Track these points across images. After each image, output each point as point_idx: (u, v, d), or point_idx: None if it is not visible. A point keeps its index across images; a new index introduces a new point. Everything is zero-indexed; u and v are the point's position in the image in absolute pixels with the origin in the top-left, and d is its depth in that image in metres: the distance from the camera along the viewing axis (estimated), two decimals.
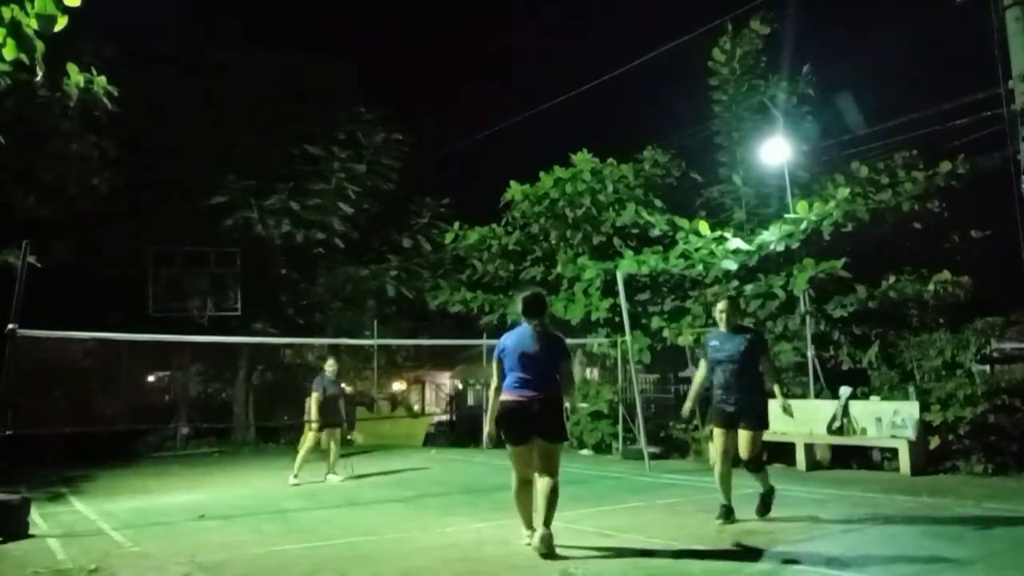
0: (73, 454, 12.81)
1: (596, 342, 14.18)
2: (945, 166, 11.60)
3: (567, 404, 5.75)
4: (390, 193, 18.42)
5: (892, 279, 11.25)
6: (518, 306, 5.61)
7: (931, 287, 10.91)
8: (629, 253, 13.09)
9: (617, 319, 12.82)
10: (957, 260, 11.85)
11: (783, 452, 10.08)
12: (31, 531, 6.67)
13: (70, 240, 14.07)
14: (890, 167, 12.24)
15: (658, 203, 14.11)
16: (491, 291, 16.23)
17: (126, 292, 15.62)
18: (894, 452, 9.35)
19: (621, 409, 12.32)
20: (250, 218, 16.20)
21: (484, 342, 13.99)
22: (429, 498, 8.55)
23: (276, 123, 17.04)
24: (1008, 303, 11.42)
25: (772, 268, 12.25)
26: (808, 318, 11.54)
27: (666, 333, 13.02)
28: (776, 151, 12.01)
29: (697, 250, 11.91)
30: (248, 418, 17.38)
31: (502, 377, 5.49)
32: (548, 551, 5.11)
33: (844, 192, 10.94)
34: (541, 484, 5.26)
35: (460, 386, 23.74)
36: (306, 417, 10.31)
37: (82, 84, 6.65)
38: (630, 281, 12.63)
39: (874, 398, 10.17)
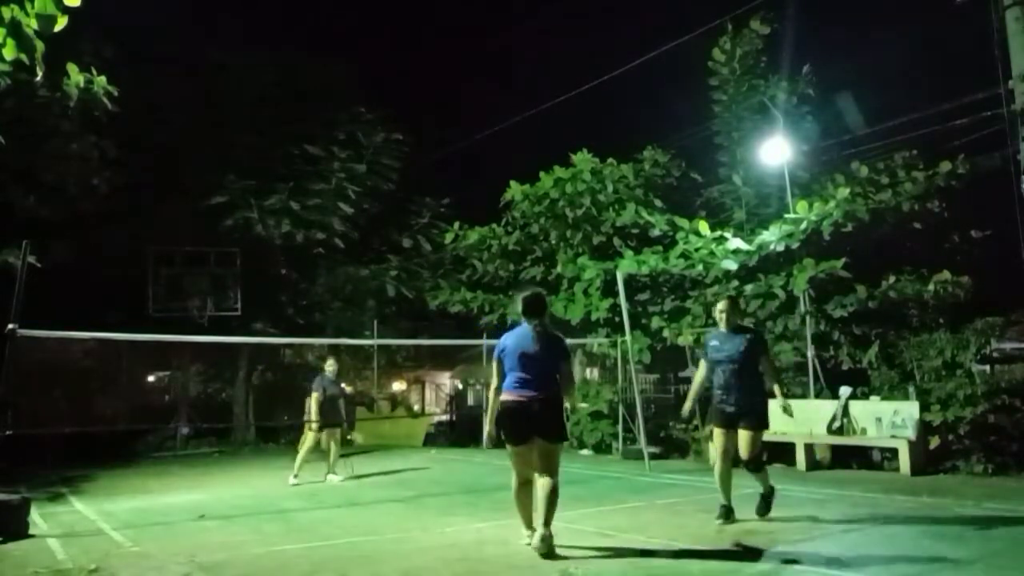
0: (73, 454, 12.81)
1: (596, 342, 14.18)
2: (945, 166, 11.60)
3: (567, 404, 5.75)
4: (390, 193, 18.42)
5: (892, 279, 11.25)
6: (518, 306, 5.61)
7: (931, 287, 10.91)
8: (629, 253, 13.09)
9: (617, 319, 12.82)
10: (957, 260, 11.85)
11: (783, 452, 10.08)
12: (31, 531, 6.67)
13: (70, 240, 14.07)
14: (890, 167, 12.24)
15: (658, 203, 14.10)
16: (491, 291, 16.23)
17: (126, 292, 15.62)
18: (894, 452, 9.35)
19: (621, 409, 12.32)
20: (250, 218, 16.20)
21: (484, 342, 13.99)
22: (429, 498, 8.55)
23: (276, 123, 17.04)
24: (1008, 303, 11.42)
25: (772, 268, 12.25)
26: (808, 318, 11.54)
27: (666, 333, 13.02)
28: (776, 151, 12.01)
29: (697, 250, 11.91)
30: (248, 418, 17.38)
31: (502, 377, 5.49)
32: (548, 551, 5.11)
33: (844, 192, 10.94)
34: (541, 484, 5.26)
35: (460, 386, 23.74)
36: (306, 417, 10.32)
37: (82, 84, 6.65)
38: (630, 281, 12.63)
39: (874, 398, 10.17)
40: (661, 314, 13.45)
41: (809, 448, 9.93)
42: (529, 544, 5.35)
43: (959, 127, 11.20)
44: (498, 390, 5.50)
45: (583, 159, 14.27)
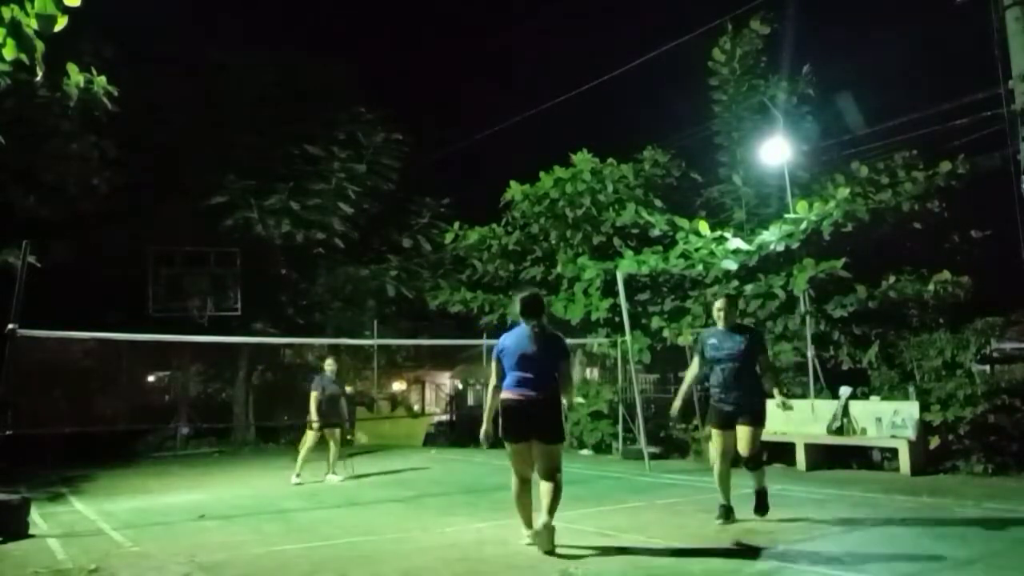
0: (73, 454, 12.81)
1: (596, 342, 14.18)
2: (945, 166, 11.60)
3: (564, 403, 5.76)
4: (390, 193, 18.41)
5: (892, 279, 11.25)
6: (516, 307, 5.62)
7: (931, 287, 10.91)
8: (629, 253, 13.09)
9: (617, 319, 12.82)
10: (957, 260, 11.84)
11: (783, 452, 10.09)
12: (31, 531, 6.67)
13: (70, 240, 14.07)
14: (890, 167, 12.24)
15: (658, 203, 14.10)
16: (491, 291, 16.23)
17: (126, 292, 15.62)
18: (894, 452, 9.35)
19: (621, 409, 12.32)
20: (250, 218, 16.20)
21: (484, 342, 13.98)
22: (429, 498, 8.55)
23: (276, 123, 17.04)
24: (1008, 303, 11.41)
25: (772, 268, 12.25)
26: (808, 318, 11.54)
27: (666, 333, 13.02)
28: (776, 151, 12.01)
29: (697, 250, 11.92)
30: (248, 418, 17.38)
31: (501, 377, 5.51)
32: (549, 540, 5.14)
33: (844, 192, 10.94)
34: (544, 484, 5.28)
35: (460, 386, 23.73)
36: (309, 417, 10.32)
37: (82, 84, 6.65)
38: (630, 281, 12.63)
39: (874, 398, 10.17)
40: (661, 314, 13.45)
41: (809, 448, 9.92)
42: (529, 544, 5.36)
43: (959, 127, 11.20)
44: (497, 389, 5.51)
45: (583, 159, 14.27)
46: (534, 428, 5.33)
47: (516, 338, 5.51)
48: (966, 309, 10.94)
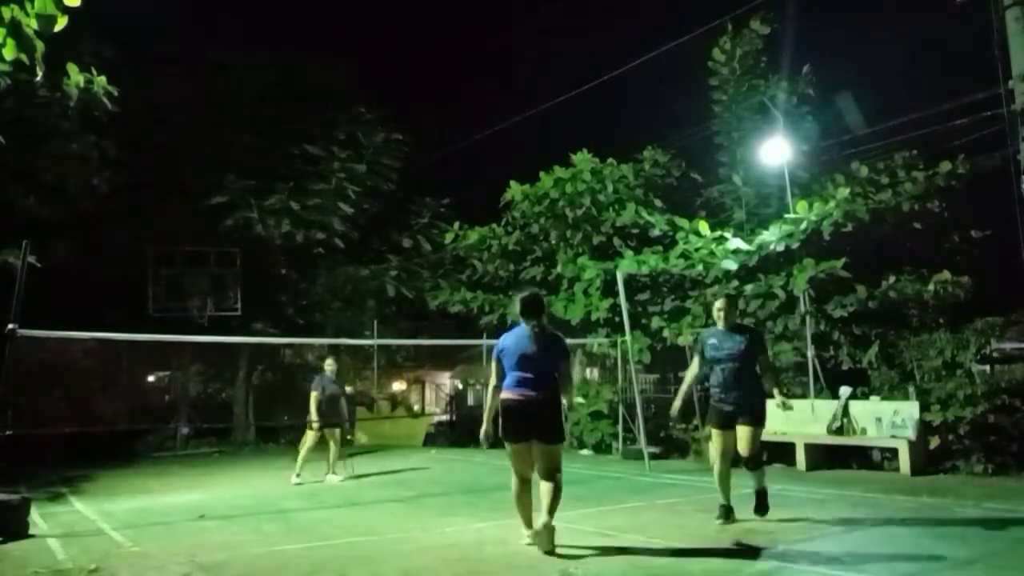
0: (73, 454, 12.81)
1: (596, 342, 14.18)
2: (945, 166, 11.60)
3: (564, 403, 5.76)
4: (390, 193, 18.41)
5: (892, 279, 11.25)
6: (516, 307, 5.62)
7: (931, 287, 10.91)
8: (629, 253, 13.09)
9: (617, 319, 12.82)
10: (957, 260, 11.84)
11: (783, 452, 10.09)
12: (31, 531, 6.67)
13: (70, 240, 14.07)
14: (890, 167, 12.24)
15: (658, 203, 14.10)
16: (491, 291, 16.23)
17: (126, 292, 15.62)
18: (894, 452, 9.35)
19: (621, 409, 12.32)
20: (250, 218, 16.20)
21: (484, 342, 13.97)
22: (429, 498, 8.55)
23: (276, 123, 17.04)
24: (1008, 303, 11.41)
25: (772, 268, 12.25)
26: (808, 318, 11.54)
27: (666, 333, 13.02)
28: (776, 151, 12.01)
29: (697, 250, 11.92)
30: (248, 418, 17.38)
31: (501, 377, 5.51)
32: (549, 539, 5.14)
33: (844, 192, 10.94)
34: (544, 485, 5.29)
35: (460, 386, 23.73)
36: (309, 417, 10.32)
37: (82, 84, 6.65)
38: (630, 281, 12.63)
39: (874, 398, 10.17)
40: (661, 314, 13.45)
41: (809, 448, 9.92)
42: (530, 544, 5.36)
43: (959, 127, 11.20)
44: (497, 389, 5.51)
45: (583, 159, 14.27)
46: (534, 428, 5.33)
47: (516, 338, 5.51)
48: (966, 309, 10.94)
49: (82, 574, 5.17)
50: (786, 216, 11.35)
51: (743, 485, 6.41)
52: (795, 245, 11.51)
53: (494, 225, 15.94)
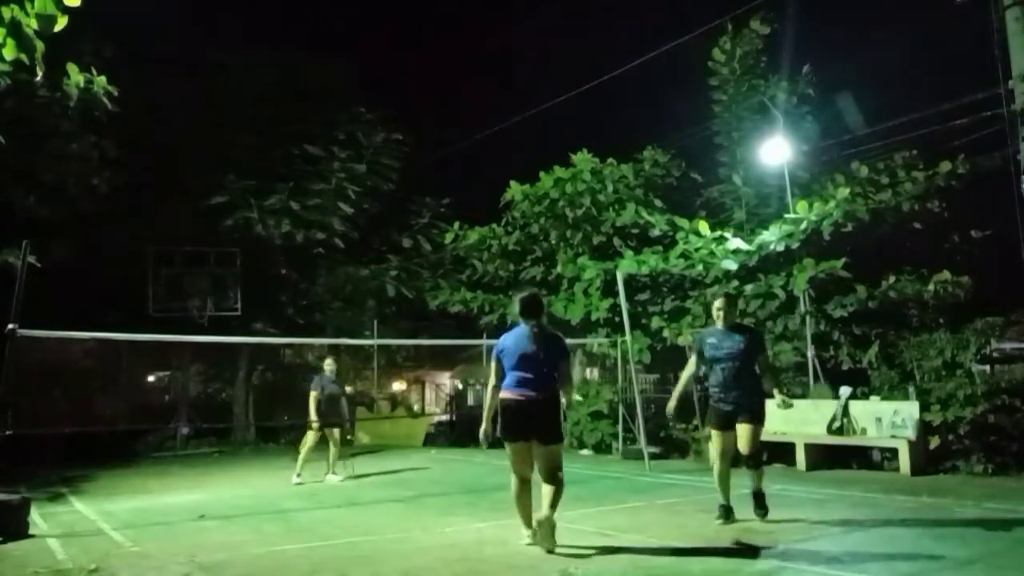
0: (73, 454, 12.81)
1: (596, 342, 14.18)
2: (945, 166, 11.60)
3: (564, 402, 5.76)
4: (390, 193, 18.42)
5: (892, 279, 11.25)
6: (515, 307, 5.62)
7: (931, 287, 10.92)
8: (629, 253, 13.09)
9: (617, 319, 12.82)
10: (957, 260, 11.86)
11: (783, 452, 10.08)
12: (31, 531, 6.67)
13: (70, 240, 14.07)
14: (890, 167, 12.24)
15: (658, 203, 14.11)
16: (491, 291, 16.23)
17: (126, 292, 15.62)
18: (894, 452, 9.34)
19: (621, 409, 12.32)
20: (250, 218, 16.20)
21: (484, 342, 13.97)
22: (429, 498, 8.55)
23: (276, 123, 17.04)
24: (1008, 303, 11.42)
25: (772, 268, 12.26)
26: (808, 318, 11.55)
27: (666, 333, 13.03)
28: (776, 151, 12.02)
29: (697, 250, 11.92)
30: (248, 418, 17.38)
31: (501, 377, 5.51)
32: (549, 532, 5.14)
33: (844, 192, 10.94)
34: (545, 487, 5.29)
35: (460, 386, 23.73)
36: (309, 417, 10.31)
37: (82, 84, 6.65)
38: (630, 281, 12.63)
39: (874, 398, 10.16)
40: (661, 314, 13.45)
41: (809, 448, 9.92)
42: (530, 544, 5.36)
43: (959, 127, 11.21)
44: (496, 388, 5.52)
45: (583, 159, 14.27)
46: (534, 428, 5.34)
47: (516, 338, 5.51)
48: (966, 309, 10.95)
49: (82, 574, 5.17)
50: (786, 216, 11.35)
51: (743, 485, 6.40)
52: (795, 245, 11.52)
53: (494, 225, 15.94)
